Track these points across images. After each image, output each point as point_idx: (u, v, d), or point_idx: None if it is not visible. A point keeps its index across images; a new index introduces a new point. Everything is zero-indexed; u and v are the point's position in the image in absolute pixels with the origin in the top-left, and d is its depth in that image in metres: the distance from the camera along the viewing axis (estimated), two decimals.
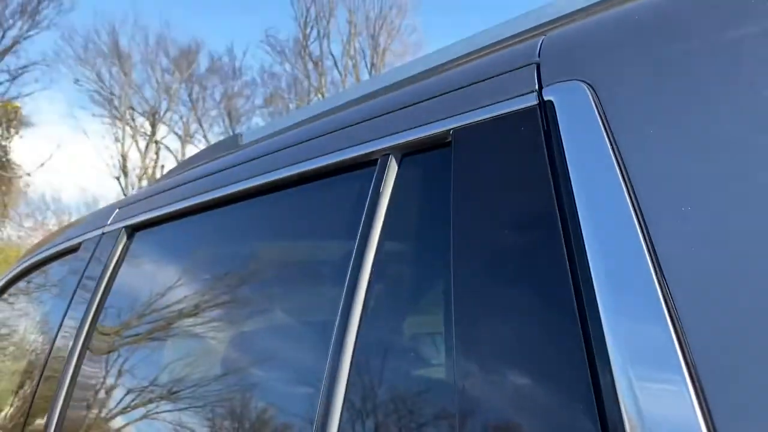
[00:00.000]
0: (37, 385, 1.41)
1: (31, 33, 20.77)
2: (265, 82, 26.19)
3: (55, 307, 1.56)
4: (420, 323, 0.78)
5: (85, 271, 1.49)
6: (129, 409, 1.23)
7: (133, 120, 24.90)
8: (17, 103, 17.44)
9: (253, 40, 35.89)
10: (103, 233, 1.53)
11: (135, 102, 24.84)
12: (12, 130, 17.13)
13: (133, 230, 1.45)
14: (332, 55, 23.85)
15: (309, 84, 24.04)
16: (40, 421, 1.32)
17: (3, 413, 1.59)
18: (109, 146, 25.01)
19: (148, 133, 25.22)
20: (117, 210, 1.56)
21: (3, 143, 17.05)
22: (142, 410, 1.21)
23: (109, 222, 1.54)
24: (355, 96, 1.09)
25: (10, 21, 20.11)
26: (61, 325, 1.45)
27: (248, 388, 0.99)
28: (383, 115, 0.92)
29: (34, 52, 32.16)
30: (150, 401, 1.20)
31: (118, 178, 23.78)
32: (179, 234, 1.36)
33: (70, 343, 1.37)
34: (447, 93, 0.84)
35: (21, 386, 1.55)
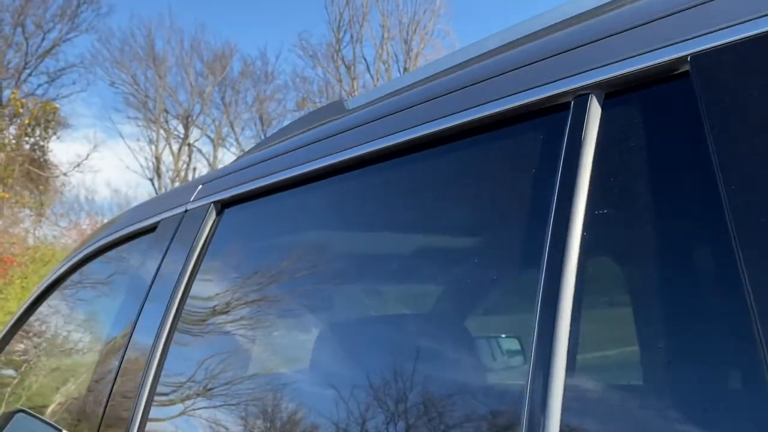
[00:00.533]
0: (116, 377, 1.25)
1: (70, 36, 21.07)
2: (297, 86, 26.20)
3: (131, 293, 1.41)
4: (672, 322, 0.59)
5: (166, 252, 1.34)
6: (226, 404, 1.07)
7: (167, 123, 25.11)
8: (56, 104, 17.64)
9: (286, 45, 35.95)
10: (186, 210, 1.38)
11: (169, 105, 25.06)
12: (50, 131, 17.32)
13: (222, 206, 1.29)
14: (365, 59, 23.79)
15: (341, 88, 24.00)
16: (122, 413, 1.17)
17: (71, 403, 1.44)
18: (143, 148, 25.11)
19: (182, 135, 25.41)
20: (201, 186, 1.40)
21: (41, 143, 17.24)
22: (241, 406, 1.05)
23: (192, 198, 1.39)
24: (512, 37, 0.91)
25: (50, 24, 20.41)
26: (140, 313, 1.29)
27: (393, 383, 0.81)
28: (579, 47, 0.74)
29: (72, 54, 32.69)
30: (253, 395, 1.03)
31: (151, 180, 23.96)
32: (277, 209, 1.19)
33: (153, 333, 1.21)
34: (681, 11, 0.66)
35: (94, 376, 1.40)
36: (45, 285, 2.01)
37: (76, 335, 1.85)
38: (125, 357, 1.27)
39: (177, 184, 24.50)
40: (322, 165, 1.09)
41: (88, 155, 19.14)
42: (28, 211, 16.81)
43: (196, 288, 1.21)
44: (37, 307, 2.03)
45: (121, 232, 1.66)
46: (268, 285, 1.17)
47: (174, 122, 25.51)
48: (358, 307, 1.04)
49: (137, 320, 1.29)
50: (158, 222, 1.47)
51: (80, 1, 21.04)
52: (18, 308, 2.13)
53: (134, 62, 24.05)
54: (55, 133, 17.68)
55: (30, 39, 19.96)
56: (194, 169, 25.50)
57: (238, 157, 1.57)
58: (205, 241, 1.26)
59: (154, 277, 1.32)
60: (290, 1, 29.41)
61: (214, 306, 1.19)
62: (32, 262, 15.47)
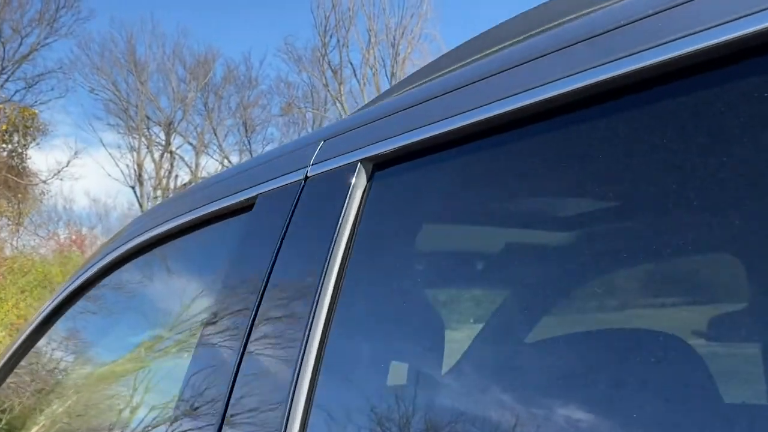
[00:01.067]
0: (230, 393, 0.87)
1: (48, 40, 20.42)
2: (281, 91, 25.77)
3: (229, 295, 1.03)
4: None
5: (285, 233, 0.96)
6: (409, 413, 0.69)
7: (148, 130, 24.51)
8: (34, 110, 17.01)
9: (271, 49, 35.38)
10: (307, 177, 1.00)
11: (150, 111, 24.47)
12: (29, 137, 16.68)
13: (375, 167, 0.91)
14: (351, 63, 23.45)
15: (327, 93, 23.61)
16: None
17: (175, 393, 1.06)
18: (124, 155, 24.42)
19: (163, 143, 24.82)
20: (323, 142, 1.02)
21: (20, 150, 16.59)
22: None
23: (314, 161, 1.01)
24: None
25: (28, 28, 19.77)
26: (256, 313, 0.91)
27: None
28: None
29: (50, 60, 31.75)
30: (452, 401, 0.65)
31: (133, 188, 23.33)
32: (469, 167, 0.82)
33: (299, 337, 0.83)
34: None
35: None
36: (54, 304, 1.61)
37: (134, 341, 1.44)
38: (239, 373, 0.89)
39: (159, 192, 23.87)
40: (516, 106, 0.72)
41: (68, 162, 18.45)
42: (6, 220, 16.13)
43: (352, 277, 0.84)
44: (51, 324, 1.63)
45: (174, 223, 1.27)
46: (464, 270, 0.80)
47: (156, 129, 24.93)
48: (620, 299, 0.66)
49: (252, 325, 0.91)
50: (255, 198, 1.09)
51: (59, 5, 20.45)
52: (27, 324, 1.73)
53: (115, 68, 23.46)
54: (34, 140, 17.04)
55: (7, 44, 19.32)
56: (176, 176, 24.93)
57: (373, 101, 1.18)
58: (357, 215, 0.88)
59: (270, 271, 0.94)
60: (275, 5, 29.03)
61: (390, 295, 0.82)
62: (10, 272, 14.83)
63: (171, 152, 25.13)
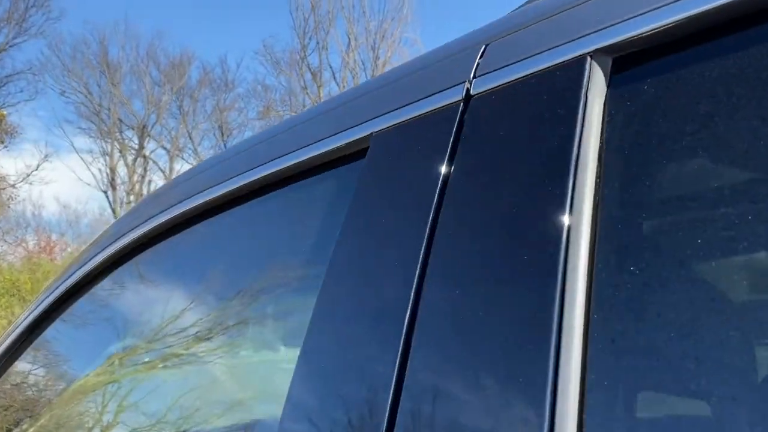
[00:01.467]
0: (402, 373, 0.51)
1: (17, 41, 19.64)
2: (259, 95, 25.24)
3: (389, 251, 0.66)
4: None
5: (448, 182, 0.59)
6: None
7: (121, 133, 23.80)
8: (2, 111, 16.29)
9: (248, 52, 34.67)
10: (470, 96, 0.63)
11: (123, 115, 23.76)
12: None
13: (622, 58, 0.55)
14: (330, 66, 23.04)
15: (305, 96, 23.15)
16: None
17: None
18: (96, 159, 23.55)
19: (136, 147, 24.12)
20: (488, 45, 0.66)
21: None
22: None
23: (477, 72, 0.64)
24: None
25: None
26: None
27: None
28: None
29: (19, 60, 30.64)
30: None
31: (105, 192, 22.61)
32: None
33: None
34: None
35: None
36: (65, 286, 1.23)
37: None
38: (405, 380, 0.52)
39: (132, 197, 23.10)
40: None
41: (38, 165, 17.71)
42: None
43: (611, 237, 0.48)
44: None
45: (261, 173, 0.88)
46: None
47: (129, 133, 24.22)
48: None
49: (413, 319, 0.54)
50: (369, 137, 0.72)
51: (28, 4, 19.69)
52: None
53: (86, 70, 22.67)
54: (1, 143, 16.30)
55: None
56: (149, 182, 24.20)
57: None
58: (595, 134, 0.52)
59: (429, 238, 0.57)
60: (252, 6, 28.48)
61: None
62: None
63: (144, 156, 24.43)
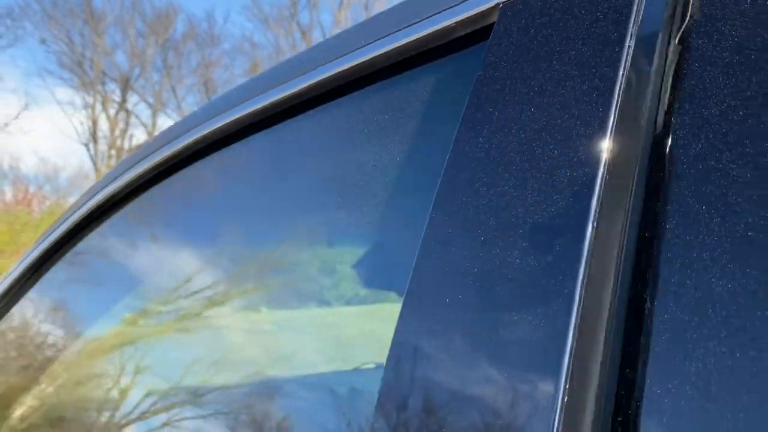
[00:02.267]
0: None
1: None
2: (246, 52, 24.66)
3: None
4: None
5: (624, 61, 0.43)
6: None
7: (104, 86, 23.15)
8: None
9: (235, 7, 33.70)
10: None
11: (106, 66, 23.09)
12: None
13: None
14: (321, 25, 22.54)
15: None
16: None
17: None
18: (77, 111, 22.91)
19: (119, 100, 23.51)
20: None
21: None
22: None
23: None
24: None
25: None
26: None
27: None
28: None
29: None
30: None
31: (86, 145, 22.08)
32: None
33: None
34: None
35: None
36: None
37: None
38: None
39: (113, 152, 22.56)
40: None
41: (18, 114, 17.18)
42: None
43: None
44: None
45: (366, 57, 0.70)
46: None
47: (111, 85, 23.60)
48: None
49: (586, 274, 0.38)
50: (495, 8, 0.55)
51: None
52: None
53: (68, 18, 21.90)
54: None
55: None
56: (131, 136, 23.64)
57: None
58: None
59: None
60: None
61: None
62: None
63: (127, 110, 23.83)
